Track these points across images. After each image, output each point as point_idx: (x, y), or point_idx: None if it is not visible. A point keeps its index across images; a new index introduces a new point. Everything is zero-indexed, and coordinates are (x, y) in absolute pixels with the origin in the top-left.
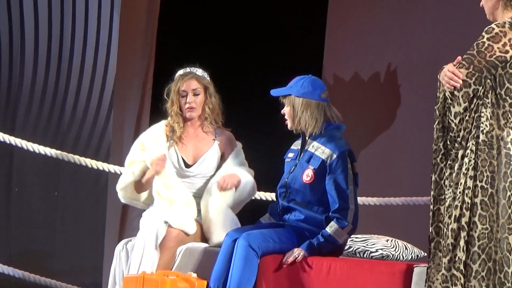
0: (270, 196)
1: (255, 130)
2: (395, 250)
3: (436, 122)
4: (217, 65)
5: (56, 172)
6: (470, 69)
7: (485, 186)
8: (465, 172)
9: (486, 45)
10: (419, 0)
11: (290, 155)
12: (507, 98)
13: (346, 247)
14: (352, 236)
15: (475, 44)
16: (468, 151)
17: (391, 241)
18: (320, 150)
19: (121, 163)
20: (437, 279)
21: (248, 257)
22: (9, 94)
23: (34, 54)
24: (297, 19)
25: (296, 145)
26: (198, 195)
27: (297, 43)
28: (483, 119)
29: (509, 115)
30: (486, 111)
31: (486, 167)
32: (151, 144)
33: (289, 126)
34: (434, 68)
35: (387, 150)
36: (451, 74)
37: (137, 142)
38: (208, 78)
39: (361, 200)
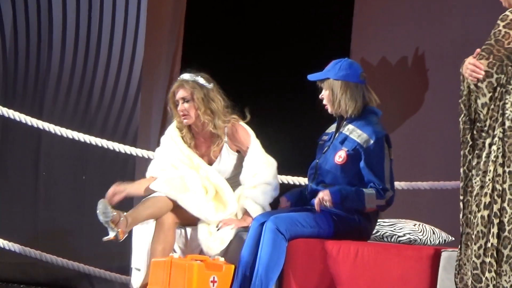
0: (298, 180)
1: (286, 116)
2: (422, 235)
3: (462, 115)
4: (246, 48)
5: (83, 156)
6: (490, 59)
7: None
8: (494, 159)
9: (503, 33)
10: None
11: (324, 137)
12: None
13: (374, 232)
14: (380, 220)
15: (492, 33)
16: (496, 139)
17: (419, 225)
18: (356, 134)
19: (148, 147)
20: (467, 268)
21: (276, 241)
22: (37, 78)
23: (62, 38)
24: (324, 4)
25: (331, 128)
26: None
27: (325, 28)
28: (507, 106)
29: None
30: (510, 98)
31: None
32: (171, 147)
33: (329, 110)
34: (462, 52)
35: (414, 134)
36: (472, 67)
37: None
38: (202, 82)
39: None
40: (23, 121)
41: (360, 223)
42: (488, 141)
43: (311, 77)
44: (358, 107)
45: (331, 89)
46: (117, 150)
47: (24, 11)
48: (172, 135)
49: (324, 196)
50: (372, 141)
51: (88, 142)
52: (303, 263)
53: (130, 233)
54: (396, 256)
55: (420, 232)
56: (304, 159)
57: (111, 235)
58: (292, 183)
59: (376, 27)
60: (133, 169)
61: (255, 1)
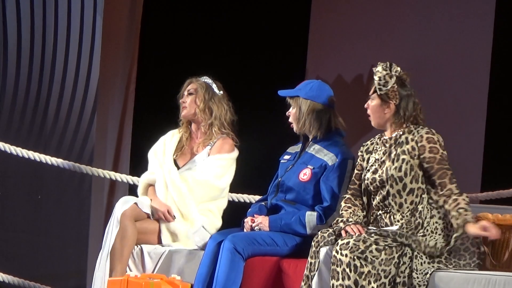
0: (254, 198)
1: (243, 134)
2: None
3: None
4: (199, 67)
5: (39, 176)
6: None
7: None
8: None
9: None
10: (401, 4)
11: (287, 157)
12: None
13: None
14: None
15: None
16: None
17: None
18: (322, 153)
19: (104, 166)
20: None
21: (234, 260)
22: None
23: (16, 57)
24: (279, 22)
25: (293, 149)
26: None
27: (280, 47)
28: None
29: None
30: None
31: None
32: (159, 151)
33: (294, 129)
34: (417, 71)
35: None
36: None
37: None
38: (212, 85)
39: None
40: None
41: None
42: None
43: (282, 93)
44: (323, 130)
45: (299, 108)
46: (73, 169)
47: None
48: (166, 137)
49: (262, 223)
50: (337, 160)
51: (44, 161)
52: (260, 281)
53: (86, 253)
54: None
55: None
56: (258, 178)
57: None
58: (243, 201)
59: (332, 45)
60: (89, 188)
61: (210, 20)
